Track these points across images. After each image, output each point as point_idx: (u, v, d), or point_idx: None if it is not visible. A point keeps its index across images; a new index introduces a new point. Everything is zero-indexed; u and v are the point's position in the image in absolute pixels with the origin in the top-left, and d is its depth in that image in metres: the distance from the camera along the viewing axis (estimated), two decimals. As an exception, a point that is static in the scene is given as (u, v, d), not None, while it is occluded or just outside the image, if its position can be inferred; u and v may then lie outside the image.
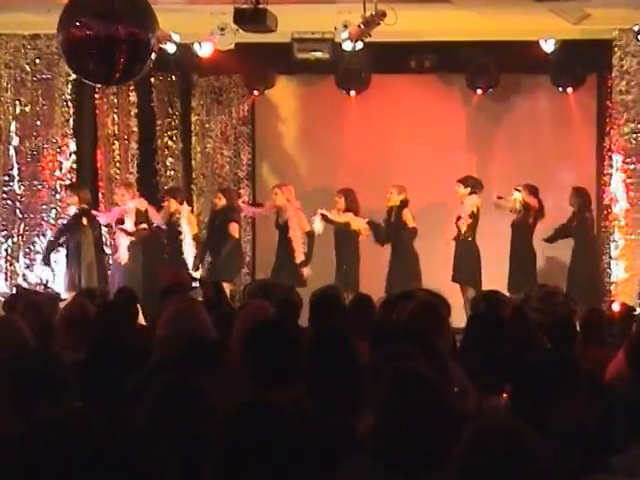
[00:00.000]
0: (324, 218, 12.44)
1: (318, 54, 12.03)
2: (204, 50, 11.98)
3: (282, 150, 14.52)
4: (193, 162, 14.49)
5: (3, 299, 9.57)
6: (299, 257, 12.39)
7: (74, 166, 12.67)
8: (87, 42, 7.76)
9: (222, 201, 12.69)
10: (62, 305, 7.42)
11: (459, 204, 12.50)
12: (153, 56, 8.01)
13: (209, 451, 3.24)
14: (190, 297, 8.09)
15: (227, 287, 11.07)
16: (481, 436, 2.95)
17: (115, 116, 13.65)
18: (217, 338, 5.40)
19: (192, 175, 14.46)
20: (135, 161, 13.75)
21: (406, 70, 13.56)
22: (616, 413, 4.16)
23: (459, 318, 7.65)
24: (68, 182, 12.54)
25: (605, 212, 13.13)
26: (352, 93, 13.95)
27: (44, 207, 12.62)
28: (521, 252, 12.49)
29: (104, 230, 12.71)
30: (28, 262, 12.66)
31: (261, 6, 10.16)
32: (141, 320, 7.92)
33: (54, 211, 12.61)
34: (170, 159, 14.33)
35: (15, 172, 12.64)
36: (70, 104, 12.64)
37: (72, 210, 12.19)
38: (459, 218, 12.44)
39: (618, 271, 12.31)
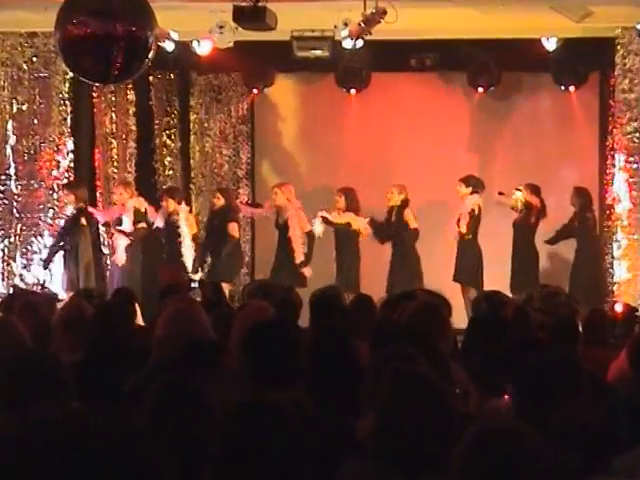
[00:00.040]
0: (324, 220, 12.40)
1: (318, 52, 11.98)
2: (203, 48, 11.95)
3: (282, 149, 14.48)
4: (192, 161, 14.45)
5: (0, 299, 9.53)
6: (299, 257, 12.35)
7: (72, 165, 12.62)
8: (85, 40, 7.72)
9: (221, 201, 12.65)
10: (59, 305, 7.42)
11: (460, 203, 12.46)
12: (151, 54, 7.97)
13: (208, 452, 3.25)
14: (189, 297, 8.11)
15: (226, 287, 11.05)
16: (482, 437, 2.95)
17: (113, 115, 13.62)
18: (216, 339, 5.43)
19: (191, 174, 14.43)
20: (133, 160, 13.72)
21: (407, 68, 13.52)
22: (618, 414, 4.19)
23: (460, 319, 7.65)
24: (66, 181, 12.50)
25: (608, 212, 13.09)
26: (352, 91, 13.93)
27: (41, 207, 12.57)
28: (523, 252, 12.45)
29: (102, 230, 12.67)
30: (25, 262, 12.61)
31: (260, 4, 10.13)
32: (140, 320, 7.90)
33: (51, 211, 12.56)
34: (168, 158, 14.29)
35: (12, 171, 12.59)
36: (67, 102, 12.59)
37: (69, 209, 12.16)
38: (460, 218, 12.41)
39: (621, 271, 12.27)
